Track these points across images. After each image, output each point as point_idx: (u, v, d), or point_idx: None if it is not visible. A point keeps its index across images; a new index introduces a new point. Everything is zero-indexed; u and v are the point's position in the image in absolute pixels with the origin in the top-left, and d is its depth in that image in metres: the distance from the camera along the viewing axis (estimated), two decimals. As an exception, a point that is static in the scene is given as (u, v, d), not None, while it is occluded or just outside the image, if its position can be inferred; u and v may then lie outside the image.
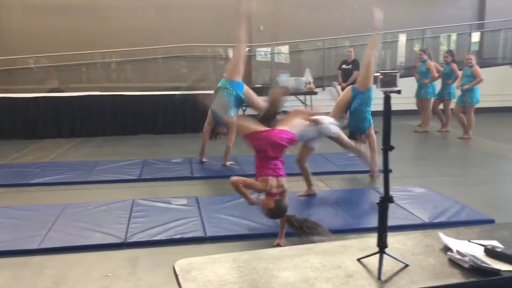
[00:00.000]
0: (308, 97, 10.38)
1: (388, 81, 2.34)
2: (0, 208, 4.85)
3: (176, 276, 2.27)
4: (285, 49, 12.76)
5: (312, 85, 10.46)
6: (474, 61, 8.79)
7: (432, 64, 9.40)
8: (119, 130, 9.43)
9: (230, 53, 12.71)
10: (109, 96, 9.61)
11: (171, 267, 3.29)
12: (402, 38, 13.30)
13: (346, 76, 10.05)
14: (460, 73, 9.10)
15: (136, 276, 3.41)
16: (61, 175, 6.14)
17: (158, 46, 11.87)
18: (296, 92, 10.37)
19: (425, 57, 9.46)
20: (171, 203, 4.91)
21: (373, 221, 3.80)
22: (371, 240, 2.59)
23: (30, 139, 8.79)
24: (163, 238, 4.06)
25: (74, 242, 3.96)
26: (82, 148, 8.32)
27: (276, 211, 3.81)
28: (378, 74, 2.38)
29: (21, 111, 9.11)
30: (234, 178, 4.03)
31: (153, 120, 9.63)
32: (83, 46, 11.61)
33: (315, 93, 10.47)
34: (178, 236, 4.09)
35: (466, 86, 8.71)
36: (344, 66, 10.17)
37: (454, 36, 13.51)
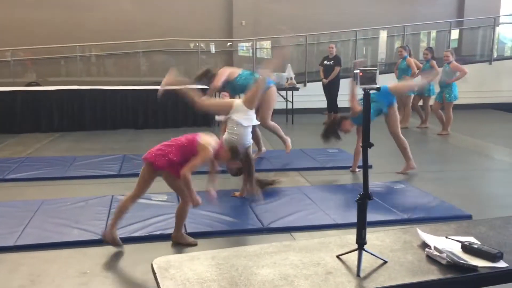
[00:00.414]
0: (289, 92, 10.38)
1: (367, 78, 2.34)
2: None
3: (154, 274, 2.24)
4: (267, 44, 12.75)
5: (293, 81, 10.46)
6: (451, 57, 8.90)
7: (412, 60, 9.49)
8: (99, 125, 9.31)
9: (212, 47, 12.66)
10: (89, 90, 9.47)
11: (150, 264, 3.27)
12: (383, 35, 13.41)
13: (327, 72, 10.08)
14: (439, 69, 9.20)
15: (115, 273, 3.37)
16: (39, 170, 6.04)
17: (138, 40, 11.74)
18: (278, 88, 10.36)
19: (405, 53, 9.54)
20: (151, 199, 4.87)
21: (354, 217, 3.83)
22: (351, 237, 2.60)
23: (6, 133, 8.61)
24: (143, 235, 4.02)
25: (51, 239, 3.90)
26: (61, 143, 8.19)
27: (234, 153, 4.07)
28: (357, 71, 2.37)
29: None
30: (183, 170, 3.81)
31: (134, 114, 9.53)
32: (62, 39, 11.43)
33: (296, 89, 10.48)
34: (158, 232, 4.06)
35: (451, 80, 8.79)
36: (325, 62, 10.20)
37: (433, 33, 13.68)
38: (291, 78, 10.44)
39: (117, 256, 3.65)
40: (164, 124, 9.56)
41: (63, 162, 6.43)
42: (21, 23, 11.63)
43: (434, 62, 9.26)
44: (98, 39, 11.69)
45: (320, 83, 10.39)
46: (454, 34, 13.32)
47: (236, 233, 4.14)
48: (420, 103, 9.73)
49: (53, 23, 11.72)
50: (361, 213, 2.35)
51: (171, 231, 4.05)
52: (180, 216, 3.89)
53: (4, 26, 11.51)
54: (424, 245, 2.53)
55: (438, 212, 4.59)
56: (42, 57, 11.57)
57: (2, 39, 11.35)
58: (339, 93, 10.11)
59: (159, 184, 5.54)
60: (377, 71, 2.37)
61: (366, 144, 2.36)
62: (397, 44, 13.04)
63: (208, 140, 3.86)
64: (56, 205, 4.70)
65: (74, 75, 11.66)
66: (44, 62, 11.93)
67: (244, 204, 4.79)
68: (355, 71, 2.36)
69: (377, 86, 2.38)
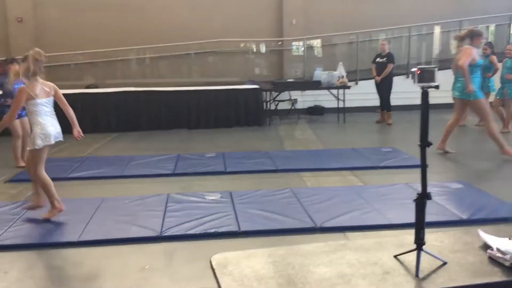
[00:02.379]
0: (341, 91, 10.28)
1: (426, 77, 2.29)
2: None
3: (213, 270, 2.29)
4: (317, 42, 12.67)
5: (345, 79, 10.35)
6: (514, 52, 8.51)
7: (495, 58, 9.10)
8: (154, 125, 9.58)
9: (262, 47, 12.73)
10: (144, 92, 9.76)
11: (206, 261, 3.35)
12: (438, 30, 13.01)
13: (380, 69, 9.89)
14: (499, 65, 8.82)
15: (172, 269, 3.46)
16: (99, 169, 6.30)
17: (191, 41, 11.97)
18: (329, 86, 10.30)
19: (489, 51, 9.17)
20: (205, 198, 4.96)
21: (409, 218, 3.75)
22: (408, 237, 2.56)
23: (69, 133, 9.00)
24: (198, 232, 4.10)
25: (112, 235, 4.06)
26: (118, 143, 8.49)
27: None
28: (415, 69, 2.33)
29: (59, 107, 9.33)
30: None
31: (187, 115, 9.74)
32: (118, 43, 11.84)
33: (348, 87, 10.36)
34: (212, 230, 4.12)
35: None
36: (378, 59, 10.01)
37: (492, 27, 13.12)
38: (342, 77, 10.34)
39: (174, 253, 3.75)
40: (216, 124, 9.72)
41: (121, 161, 6.67)
42: (80, 28, 12.15)
43: (494, 58, 8.89)
44: (152, 42, 12.02)
45: (372, 81, 10.21)
46: (515, 27, 12.73)
47: (289, 232, 4.13)
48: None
49: (110, 27, 12.17)
50: (420, 213, 2.31)
51: (225, 229, 4.12)
52: None
53: (65, 31, 12.05)
54: (486, 246, 2.47)
55: (500, 212, 4.40)
56: (100, 60, 12.02)
57: (63, 44, 11.89)
58: (392, 90, 9.90)
59: (214, 182, 5.68)
60: (436, 69, 2.32)
61: (425, 144, 2.32)
62: (453, 39, 12.60)
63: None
64: (115, 202, 4.89)
65: (129, 77, 12.05)
66: (101, 65, 12.41)
67: (297, 203, 4.79)
68: (412, 69, 2.32)
69: (436, 84, 2.33)
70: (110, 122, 9.51)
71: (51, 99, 4.57)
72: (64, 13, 12.40)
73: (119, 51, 11.96)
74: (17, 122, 6.50)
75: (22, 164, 6.50)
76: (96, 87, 11.28)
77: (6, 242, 3.94)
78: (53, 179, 5.89)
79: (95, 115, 9.48)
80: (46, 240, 3.99)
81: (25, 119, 6.62)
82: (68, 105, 4.75)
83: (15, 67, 6.58)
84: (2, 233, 4.10)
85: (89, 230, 4.15)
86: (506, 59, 8.61)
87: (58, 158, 7.08)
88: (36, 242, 3.96)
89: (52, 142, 4.50)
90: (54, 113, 4.64)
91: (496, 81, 8.95)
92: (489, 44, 9.28)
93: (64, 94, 9.08)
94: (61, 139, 4.62)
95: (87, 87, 11.29)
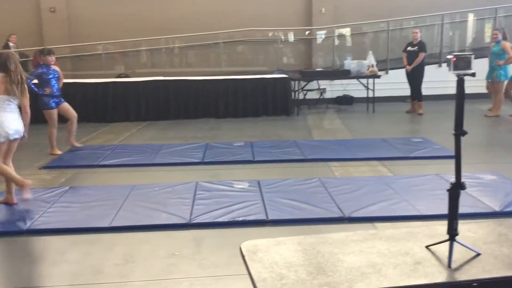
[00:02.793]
0: (370, 80, 10.14)
1: (463, 64, 2.23)
2: (73, 188, 5.13)
3: (243, 257, 2.31)
4: (347, 31, 12.49)
5: (375, 68, 10.18)
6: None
7: (507, 44, 8.87)
8: (182, 114, 9.65)
9: (290, 36, 12.64)
10: (173, 81, 9.84)
11: (234, 248, 3.37)
12: (472, 18, 12.64)
13: (411, 58, 9.69)
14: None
15: (201, 256, 3.50)
16: (129, 157, 6.39)
17: (219, 31, 11.97)
18: (358, 76, 10.16)
19: (500, 37, 8.94)
20: (233, 186, 4.99)
21: (440, 209, 3.69)
22: (439, 228, 2.52)
23: (100, 122, 9.19)
24: (226, 220, 4.13)
25: (142, 222, 4.13)
26: (148, 131, 8.60)
27: None
28: (450, 56, 2.27)
29: (91, 96, 9.53)
30: None
31: (215, 104, 9.77)
32: (148, 32, 11.95)
33: (378, 77, 10.20)
34: (240, 219, 4.15)
35: None
36: (409, 48, 9.79)
37: (529, 15, 12.67)
38: (372, 66, 10.18)
39: (202, 239, 3.79)
40: (243, 113, 9.72)
41: (151, 150, 6.75)
42: (111, 18, 12.32)
43: (505, 44, 8.64)
44: (181, 31, 12.08)
45: (403, 70, 10.01)
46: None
47: (317, 221, 4.11)
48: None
49: (139, 17, 12.29)
50: (453, 203, 2.26)
51: (253, 217, 4.13)
52: None
53: (96, 21, 12.24)
54: (522, 238, 2.41)
55: (535, 205, 4.28)
56: (130, 50, 12.17)
57: (95, 34, 12.09)
58: (424, 80, 9.69)
59: (242, 171, 5.70)
60: (472, 56, 2.26)
61: (460, 132, 2.27)
62: (488, 27, 12.25)
63: None
64: (145, 190, 4.96)
65: (159, 67, 12.16)
66: (132, 55, 12.56)
67: (325, 192, 4.76)
68: (448, 57, 2.26)
69: (472, 71, 2.27)
70: (140, 111, 9.63)
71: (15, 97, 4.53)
72: (96, 3, 12.59)
73: (149, 40, 12.07)
74: (55, 111, 6.65)
75: (58, 152, 6.67)
76: (127, 76, 11.43)
77: (41, 227, 4.05)
78: (85, 166, 6.08)
79: (125, 104, 9.62)
80: (79, 225, 4.08)
81: (64, 105, 6.79)
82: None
83: (52, 58, 6.72)
84: (38, 218, 4.22)
85: (120, 216, 4.23)
86: None
87: (90, 146, 7.23)
88: (70, 227, 4.06)
89: (10, 138, 4.50)
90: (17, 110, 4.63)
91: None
92: (501, 30, 9.01)
93: (95, 84, 9.29)
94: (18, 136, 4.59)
95: (118, 76, 11.45)
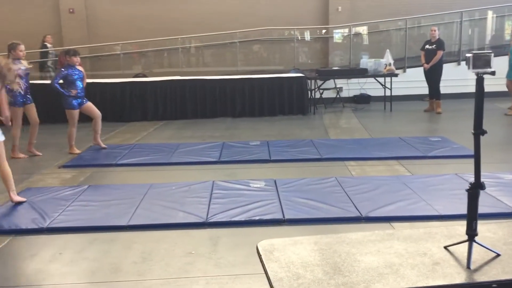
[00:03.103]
0: (388, 79, 10.06)
1: (482, 62, 2.20)
2: (92, 186, 5.19)
3: (260, 256, 2.31)
4: (364, 29, 12.42)
5: (392, 67, 10.10)
6: None
7: None
8: (199, 114, 9.70)
9: (307, 35, 12.60)
10: (189, 80, 9.89)
11: (250, 247, 3.38)
12: (491, 15, 12.46)
13: (429, 56, 9.58)
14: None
15: (218, 255, 3.51)
16: (146, 156, 6.45)
17: (235, 30, 12.00)
18: (376, 74, 10.09)
19: None
20: (249, 185, 4.99)
21: (458, 208, 3.64)
22: (458, 228, 2.49)
23: (117, 121, 9.29)
24: (243, 219, 4.14)
25: (159, 220, 4.16)
26: (165, 130, 8.66)
27: None
28: (470, 54, 2.24)
29: (109, 95, 9.63)
30: None
31: (232, 103, 9.79)
32: (165, 32, 12.04)
33: (395, 75, 10.11)
34: (257, 218, 4.15)
35: None
36: (427, 46, 9.69)
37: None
38: (389, 64, 10.09)
39: (219, 238, 3.80)
40: (260, 113, 9.73)
41: (168, 149, 6.80)
42: (128, 18, 12.44)
43: None
44: (197, 31, 12.14)
45: (421, 69, 9.92)
46: None
47: (334, 221, 4.09)
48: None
49: (156, 17, 12.39)
50: (472, 203, 2.24)
51: (269, 217, 4.13)
52: None
53: (114, 22, 12.38)
54: (543, 239, 2.36)
55: (557, 205, 4.20)
56: (148, 49, 12.27)
57: (113, 34, 12.22)
58: (442, 78, 9.58)
59: (258, 170, 5.71)
60: (492, 54, 2.22)
61: (479, 132, 2.24)
62: (508, 24, 12.06)
63: None
64: (163, 188, 5.00)
65: (176, 66, 12.23)
66: (149, 55, 12.66)
67: (342, 192, 4.74)
68: (467, 55, 2.24)
69: (492, 70, 2.23)
70: (157, 110, 9.70)
71: None
72: (113, 4, 12.72)
73: (166, 40, 12.15)
74: (77, 112, 6.72)
75: (76, 151, 6.76)
76: (144, 76, 11.53)
77: (60, 225, 4.11)
78: (103, 165, 6.14)
79: (143, 103, 9.70)
80: (97, 224, 4.13)
81: (87, 105, 6.86)
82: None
83: (78, 59, 6.77)
84: (57, 216, 4.28)
85: (138, 215, 4.27)
86: None
87: (107, 145, 7.30)
88: (89, 225, 4.11)
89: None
90: None
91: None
92: None
93: (113, 83, 9.37)
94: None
95: (136, 76, 11.56)
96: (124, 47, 12.31)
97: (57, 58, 9.11)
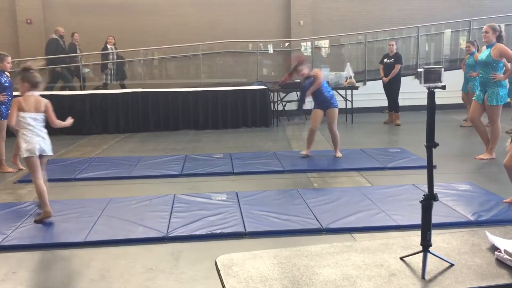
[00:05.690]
0: (349, 91, 10.25)
1: (432, 77, 2.28)
2: (49, 202, 5.03)
3: (218, 271, 2.29)
4: (325, 43, 12.65)
5: (353, 80, 10.31)
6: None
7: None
8: (162, 126, 9.61)
9: (270, 48, 12.73)
10: (152, 93, 9.79)
11: (212, 261, 3.35)
12: (447, 30, 12.93)
13: (388, 70, 9.84)
14: (509, 65, 8.74)
15: (179, 270, 3.47)
16: (106, 170, 6.32)
17: (199, 42, 12.00)
18: (337, 87, 10.26)
19: (473, 49, 9.15)
20: (211, 198, 4.97)
21: (416, 219, 3.72)
22: (415, 239, 2.55)
23: (77, 135, 9.08)
24: (204, 233, 4.10)
25: (118, 236, 4.07)
26: (127, 143, 8.52)
27: None
28: (421, 69, 2.31)
29: (68, 108, 9.40)
30: None
31: (195, 116, 9.76)
32: (127, 44, 11.91)
33: (356, 88, 10.32)
34: (218, 231, 4.12)
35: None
36: (386, 60, 9.95)
37: (502, 27, 13.01)
38: (350, 77, 10.30)
39: (180, 253, 3.76)
40: (223, 125, 9.73)
41: (129, 162, 6.69)
42: (89, 29, 12.24)
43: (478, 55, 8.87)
44: (160, 43, 12.06)
45: (380, 82, 10.17)
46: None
47: (295, 233, 4.12)
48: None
49: (117, 28, 12.24)
50: (426, 214, 2.29)
51: (231, 230, 4.12)
52: None
53: (76, 32, 12.12)
54: (494, 248, 2.44)
55: (508, 214, 4.35)
56: (108, 61, 12.08)
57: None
58: (401, 91, 9.84)
59: (221, 183, 5.68)
60: (442, 69, 2.30)
61: (431, 144, 2.30)
62: (462, 39, 12.53)
63: None
64: (122, 203, 4.91)
65: (138, 78, 12.10)
66: (110, 66, 12.45)
67: (303, 204, 4.78)
68: (419, 70, 2.31)
69: (442, 84, 2.31)
70: (118, 123, 9.55)
71: (41, 114, 4.58)
72: (74, 15, 12.50)
73: (127, 52, 12.02)
74: (4, 122, 6.16)
75: (8, 169, 6.42)
76: (105, 88, 11.34)
77: (14, 242, 3.97)
78: (61, 180, 5.98)
79: (104, 116, 9.53)
80: (53, 241, 4.02)
81: None
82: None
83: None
84: (11, 233, 4.13)
85: (96, 231, 4.17)
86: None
87: (66, 158, 7.13)
88: (44, 242, 3.99)
89: (37, 154, 4.46)
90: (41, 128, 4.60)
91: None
92: (473, 42, 9.26)
93: (72, 96, 9.05)
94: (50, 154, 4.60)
95: (96, 88, 11.35)
96: (86, 58, 12.10)
97: None
